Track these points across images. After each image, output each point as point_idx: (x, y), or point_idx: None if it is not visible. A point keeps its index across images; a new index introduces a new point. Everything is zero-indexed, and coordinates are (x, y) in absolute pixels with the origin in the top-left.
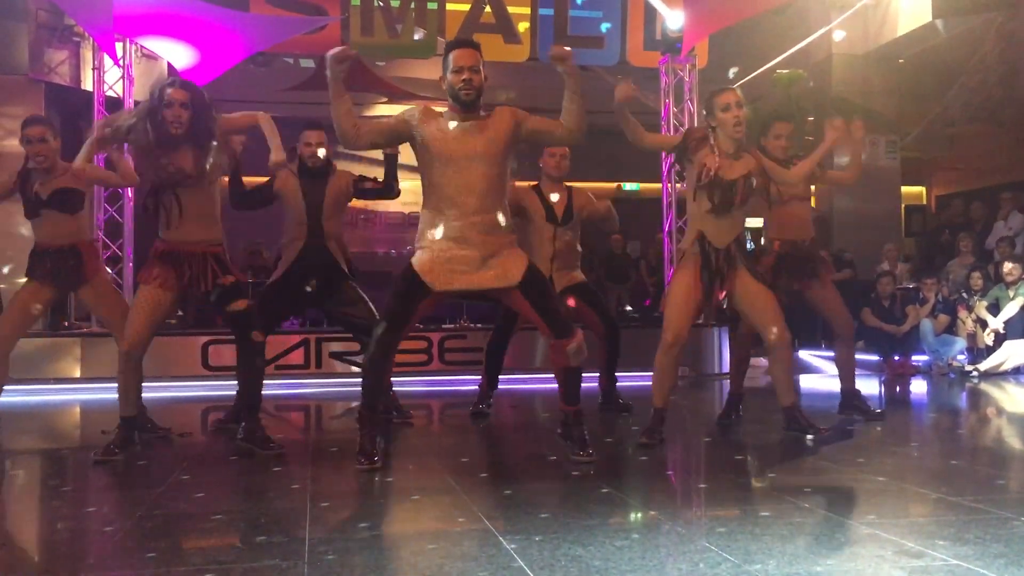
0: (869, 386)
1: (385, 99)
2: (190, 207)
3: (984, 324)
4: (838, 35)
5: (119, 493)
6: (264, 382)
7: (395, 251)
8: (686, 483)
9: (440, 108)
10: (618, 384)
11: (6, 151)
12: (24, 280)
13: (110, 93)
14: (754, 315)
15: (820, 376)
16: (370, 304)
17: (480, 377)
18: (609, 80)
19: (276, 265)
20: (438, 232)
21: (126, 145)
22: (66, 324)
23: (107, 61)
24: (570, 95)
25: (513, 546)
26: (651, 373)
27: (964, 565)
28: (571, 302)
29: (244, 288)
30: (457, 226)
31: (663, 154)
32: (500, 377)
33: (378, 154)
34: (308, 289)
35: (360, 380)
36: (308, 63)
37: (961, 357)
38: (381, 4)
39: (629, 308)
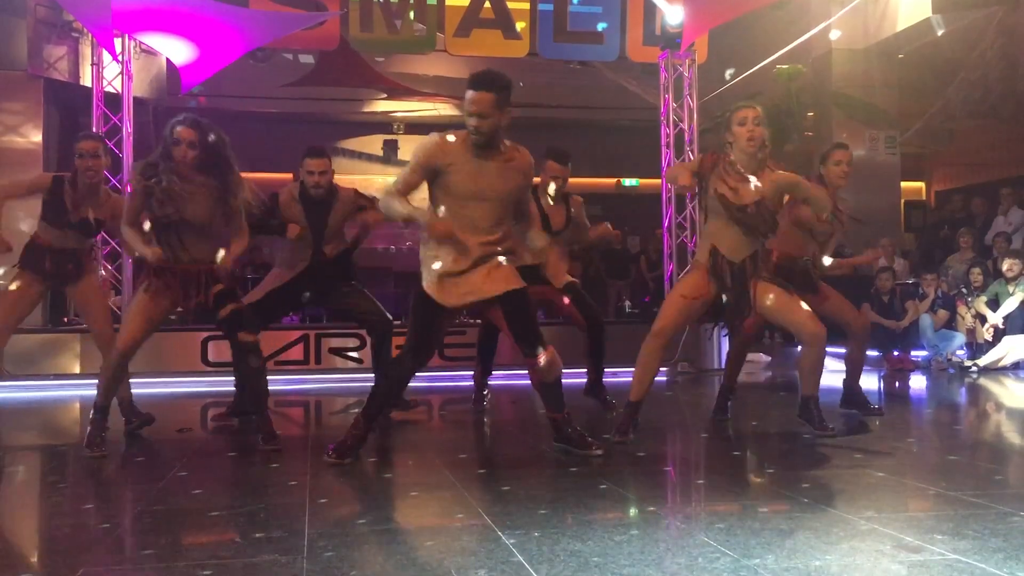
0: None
1: (384, 95)
2: (190, 236)
3: (983, 319)
4: (834, 33)
5: (118, 489)
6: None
7: (395, 247)
8: (685, 478)
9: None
10: (615, 379)
11: (5, 147)
12: (14, 272)
13: (109, 89)
14: (785, 320)
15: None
16: (368, 294)
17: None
18: (609, 76)
19: (272, 267)
20: (440, 258)
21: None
22: (65, 320)
23: (106, 57)
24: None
25: (512, 541)
26: None
27: (963, 559)
28: (566, 300)
29: (234, 293)
30: (460, 249)
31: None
32: (500, 373)
33: (377, 150)
34: (306, 294)
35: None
36: (307, 58)
37: (960, 352)
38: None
39: (628, 304)
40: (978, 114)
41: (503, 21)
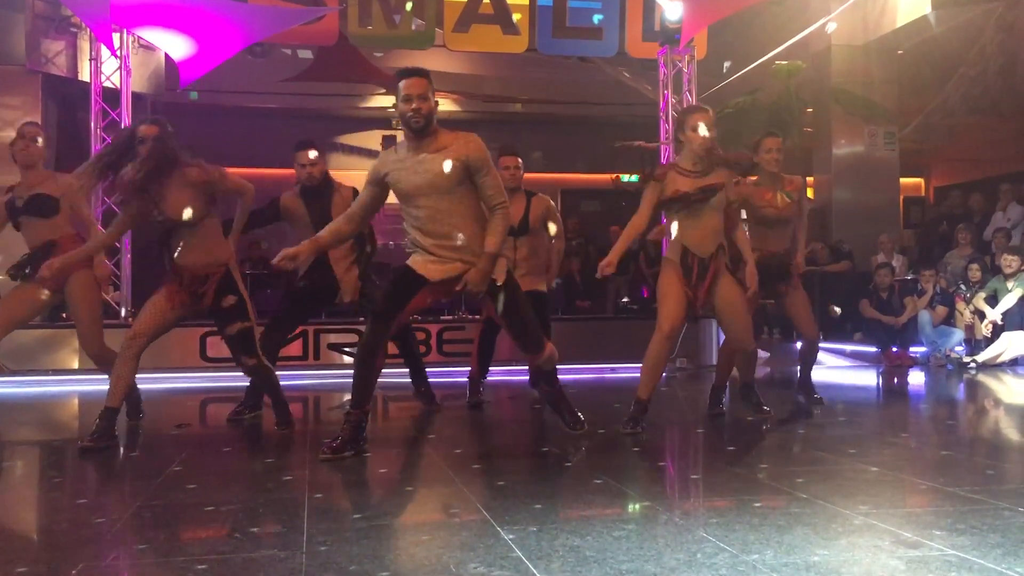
0: (867, 377)
1: (383, 90)
2: (190, 241)
3: (982, 315)
4: (830, 27)
5: (117, 484)
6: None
7: (393, 242)
8: (683, 474)
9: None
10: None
11: (2, 143)
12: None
13: (107, 84)
14: (725, 321)
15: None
16: (376, 283)
17: (469, 368)
18: (608, 71)
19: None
20: (422, 248)
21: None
22: (63, 316)
23: (104, 52)
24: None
25: (511, 536)
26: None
27: (961, 555)
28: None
29: (243, 310)
30: (431, 246)
31: (665, 152)
32: (497, 369)
33: (376, 146)
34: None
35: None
36: (306, 54)
37: (959, 348)
38: None
39: (626, 300)
40: (977, 110)
41: (502, 17)
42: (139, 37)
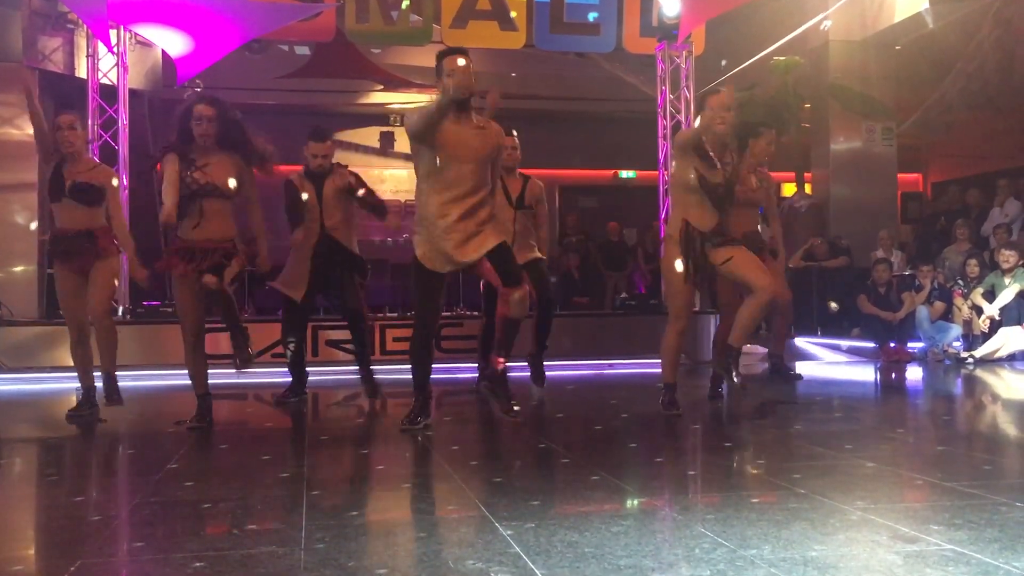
0: (865, 373)
1: (381, 86)
2: (210, 212)
3: (980, 311)
4: (825, 24)
5: (115, 481)
6: (264, 369)
7: (391, 239)
8: (680, 469)
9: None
10: (613, 371)
11: (2, 139)
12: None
13: (104, 80)
14: (742, 274)
15: (816, 363)
16: (360, 292)
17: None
18: (606, 68)
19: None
20: (432, 214)
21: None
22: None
23: (101, 48)
24: None
25: (509, 532)
26: (646, 360)
27: (958, 550)
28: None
29: (222, 269)
30: (449, 207)
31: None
32: None
33: (374, 142)
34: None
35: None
36: (303, 50)
37: (957, 344)
38: None
39: (624, 296)
40: (975, 105)
41: (499, 12)
42: (136, 34)
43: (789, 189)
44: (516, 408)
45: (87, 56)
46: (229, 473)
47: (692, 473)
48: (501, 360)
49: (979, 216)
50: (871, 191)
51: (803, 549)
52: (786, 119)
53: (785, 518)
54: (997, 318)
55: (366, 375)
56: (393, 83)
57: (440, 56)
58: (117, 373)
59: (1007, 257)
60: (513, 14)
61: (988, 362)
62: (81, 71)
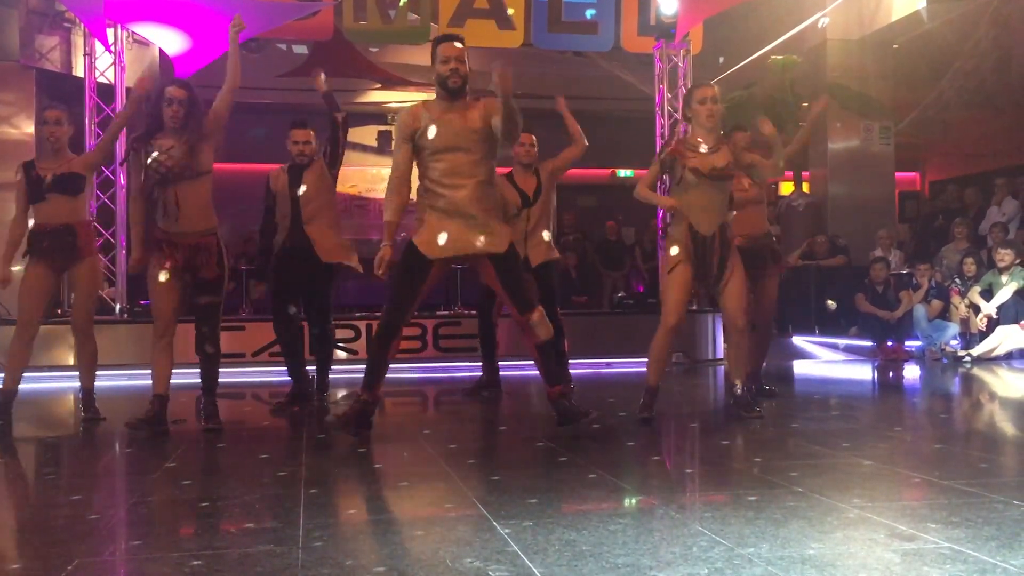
0: (862, 371)
1: (379, 85)
2: (187, 200)
3: (977, 309)
4: (822, 22)
5: (112, 480)
6: (252, 369)
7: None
8: (678, 468)
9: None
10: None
11: (1, 138)
12: (25, 265)
13: (101, 79)
14: (724, 300)
15: (814, 362)
16: (329, 298)
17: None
18: (604, 66)
19: (261, 255)
20: (433, 206)
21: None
22: (58, 312)
23: (98, 47)
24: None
25: (507, 531)
26: (644, 359)
27: (956, 548)
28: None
29: (220, 286)
30: (449, 199)
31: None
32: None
33: (372, 141)
34: (292, 310)
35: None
36: (301, 49)
37: (954, 342)
38: None
39: (622, 295)
40: (972, 104)
41: (497, 11)
42: (133, 32)
43: (787, 188)
44: (594, 414)
45: (84, 55)
46: (227, 472)
47: (690, 471)
48: (558, 388)
49: (977, 215)
50: (869, 190)
51: (801, 547)
52: (784, 118)
53: (783, 516)
54: (994, 316)
55: (305, 393)
56: (391, 82)
57: (436, 42)
58: (115, 373)
59: (1004, 256)
60: (511, 12)
61: (985, 360)
62: (78, 70)
